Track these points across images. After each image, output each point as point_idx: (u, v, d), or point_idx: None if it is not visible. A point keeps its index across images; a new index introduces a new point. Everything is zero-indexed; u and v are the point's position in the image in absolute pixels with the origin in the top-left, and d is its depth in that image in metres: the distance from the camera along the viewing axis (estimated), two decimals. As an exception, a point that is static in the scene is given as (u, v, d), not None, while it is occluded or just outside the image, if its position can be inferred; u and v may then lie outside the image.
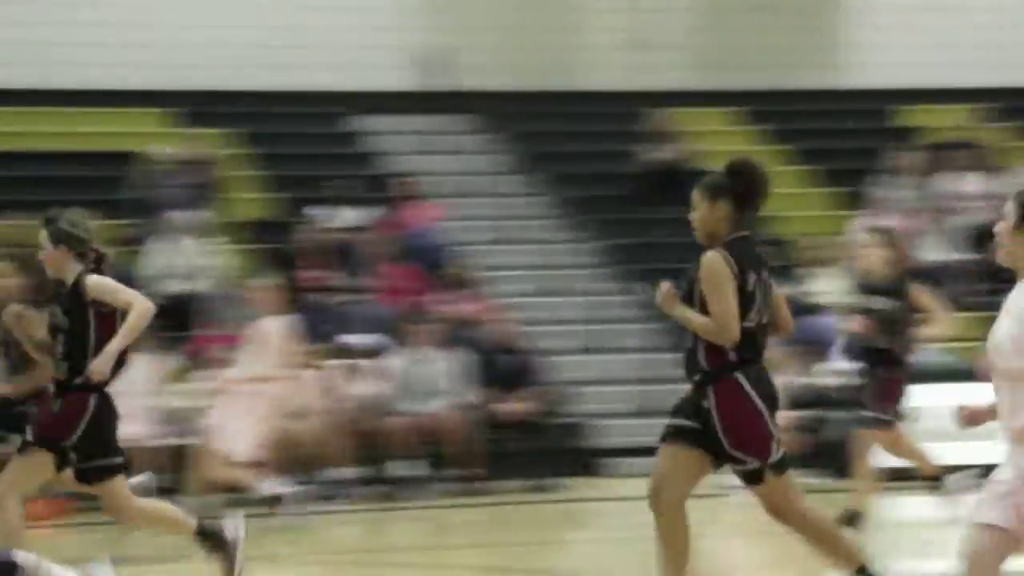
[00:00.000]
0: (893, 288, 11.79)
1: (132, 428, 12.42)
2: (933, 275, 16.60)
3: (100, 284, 8.66)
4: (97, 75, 20.82)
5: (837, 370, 15.55)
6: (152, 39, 21.09)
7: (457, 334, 16.70)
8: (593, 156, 21.11)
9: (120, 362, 8.62)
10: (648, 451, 8.41)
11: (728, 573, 11.04)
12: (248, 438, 14.30)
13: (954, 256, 19.10)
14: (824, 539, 7.47)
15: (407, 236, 18.49)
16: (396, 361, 16.05)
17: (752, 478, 7.45)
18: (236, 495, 13.90)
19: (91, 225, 9.01)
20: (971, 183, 19.86)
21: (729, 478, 7.71)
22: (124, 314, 8.60)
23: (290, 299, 15.44)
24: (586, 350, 18.65)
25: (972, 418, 5.77)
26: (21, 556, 7.78)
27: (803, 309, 15.79)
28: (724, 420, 7.33)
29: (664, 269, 9.90)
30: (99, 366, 8.49)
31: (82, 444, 8.59)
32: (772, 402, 7.43)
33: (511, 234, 20.08)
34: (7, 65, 20.54)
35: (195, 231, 17.63)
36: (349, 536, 14.16)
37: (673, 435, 7.52)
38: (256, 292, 15.04)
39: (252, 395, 14.47)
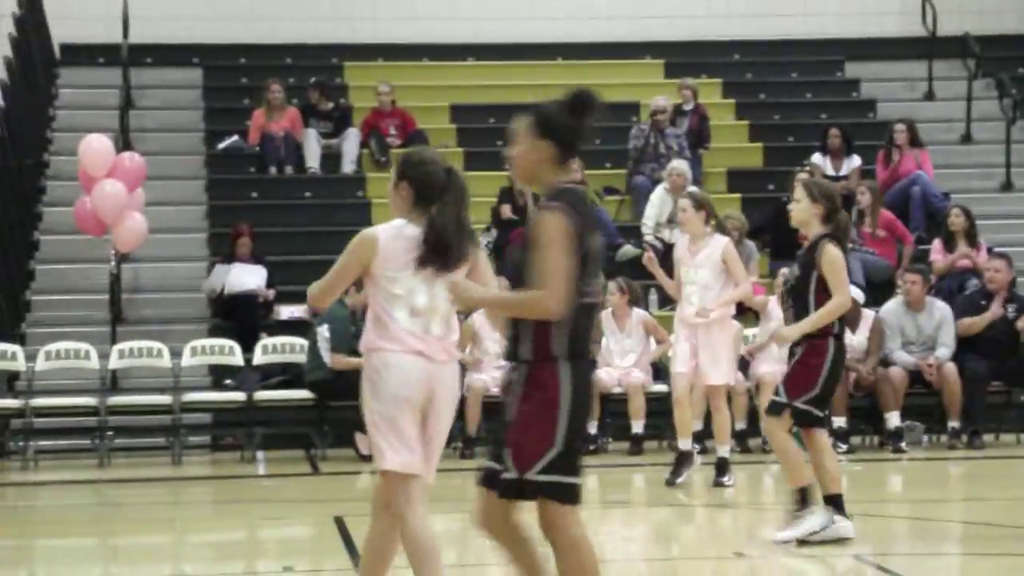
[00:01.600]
0: None
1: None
2: None
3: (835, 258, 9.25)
4: (593, 28, 21.31)
5: None
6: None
7: (953, 284, 16.37)
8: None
9: None
10: None
11: None
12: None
13: None
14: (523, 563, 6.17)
15: (904, 184, 18.24)
16: (891, 311, 15.86)
17: None
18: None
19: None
20: None
21: None
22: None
23: (786, 248, 15.40)
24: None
25: None
26: None
27: None
28: None
29: None
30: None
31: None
32: None
33: (1017, 181, 19.56)
34: (498, 19, 21.26)
35: (691, 180, 17.83)
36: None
37: None
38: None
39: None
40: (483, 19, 21.26)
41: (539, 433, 5.90)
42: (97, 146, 16.02)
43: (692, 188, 15.82)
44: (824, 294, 9.30)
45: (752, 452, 14.89)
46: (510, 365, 6.02)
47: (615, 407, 15.53)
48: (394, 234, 6.68)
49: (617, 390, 15.42)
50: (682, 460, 12.31)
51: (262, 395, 15.48)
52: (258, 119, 19.23)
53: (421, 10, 21.27)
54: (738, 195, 18.81)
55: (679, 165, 17.32)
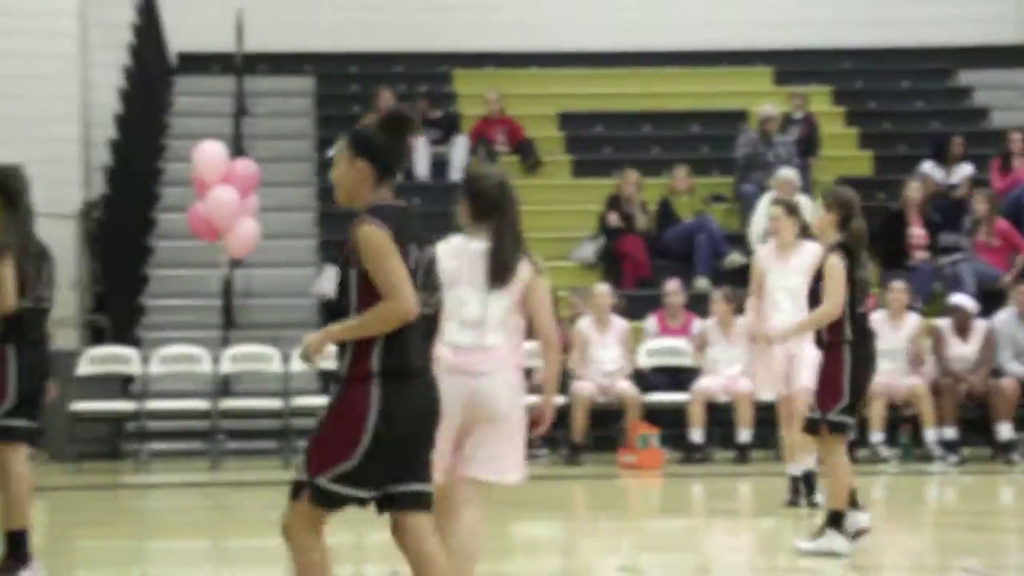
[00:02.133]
0: None
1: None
2: None
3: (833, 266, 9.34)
4: (701, 35, 21.30)
5: None
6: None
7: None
8: None
9: None
10: None
11: None
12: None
13: None
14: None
15: (1018, 193, 18.06)
16: (1004, 321, 15.73)
17: None
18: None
19: None
20: None
21: None
22: None
23: (896, 258, 15.36)
24: None
25: None
26: None
27: None
28: None
29: None
30: None
31: None
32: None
33: None
34: (607, 27, 21.31)
35: (800, 189, 17.78)
36: (947, 498, 14.01)
37: None
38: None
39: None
40: (592, 27, 21.31)
41: (338, 446, 6.06)
42: (210, 153, 16.24)
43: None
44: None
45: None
46: None
47: (721, 415, 15.52)
48: (447, 248, 6.99)
49: (723, 399, 15.41)
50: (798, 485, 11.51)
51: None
52: (369, 127, 19.40)
53: (531, 19, 21.35)
54: (847, 204, 18.72)
55: (787, 173, 17.28)
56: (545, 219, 18.20)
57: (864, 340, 9.35)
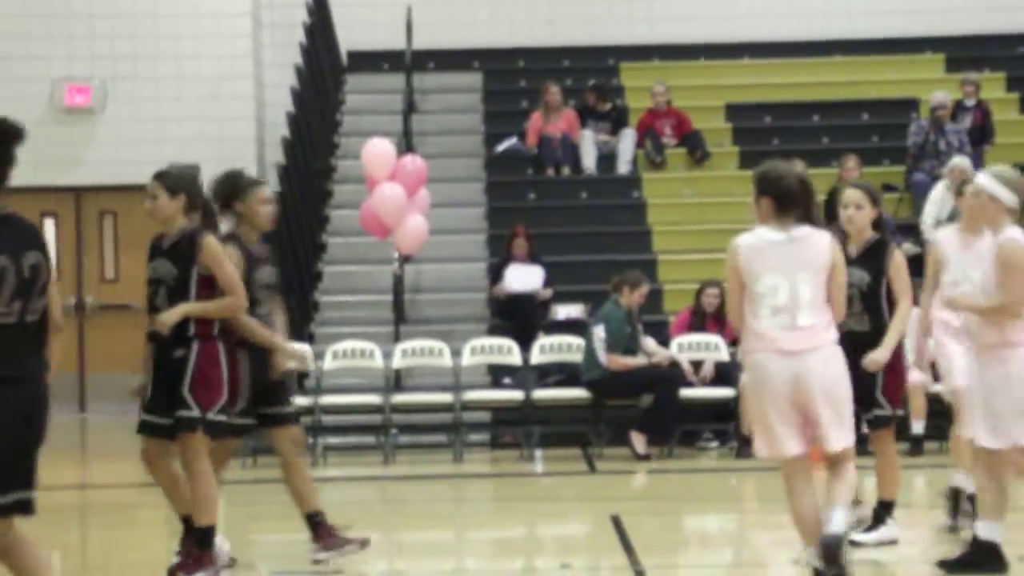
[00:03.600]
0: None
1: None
2: None
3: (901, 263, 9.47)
4: (871, 23, 21.08)
5: None
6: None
7: None
8: None
9: None
10: None
11: None
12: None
13: None
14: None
15: None
16: None
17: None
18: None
19: None
20: None
21: None
22: None
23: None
24: None
25: None
26: None
27: None
28: None
29: None
30: None
31: None
32: None
33: None
34: (774, 16, 21.19)
35: (971, 178, 17.53)
36: None
37: None
38: None
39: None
40: (759, 17, 21.20)
41: None
42: (379, 150, 16.43)
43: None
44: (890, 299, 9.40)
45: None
46: None
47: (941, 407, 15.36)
48: (755, 240, 7.75)
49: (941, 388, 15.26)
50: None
51: (540, 394, 15.72)
52: (536, 121, 19.51)
53: (697, 10, 21.30)
54: None
55: (960, 162, 17.04)
56: (712, 211, 18.17)
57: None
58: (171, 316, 8.42)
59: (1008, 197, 8.63)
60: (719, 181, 19.02)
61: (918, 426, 15.02)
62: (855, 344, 9.03)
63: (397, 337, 16.62)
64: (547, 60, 21.00)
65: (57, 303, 6.54)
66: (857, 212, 9.53)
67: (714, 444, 15.66)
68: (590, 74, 20.49)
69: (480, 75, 21.02)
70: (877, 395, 9.36)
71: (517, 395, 15.68)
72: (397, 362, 16.07)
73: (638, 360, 15.28)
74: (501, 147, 19.76)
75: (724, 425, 15.41)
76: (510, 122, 20.05)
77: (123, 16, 20.26)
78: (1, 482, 6.35)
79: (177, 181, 8.71)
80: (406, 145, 18.23)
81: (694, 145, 19.48)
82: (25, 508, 6.46)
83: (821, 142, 19.63)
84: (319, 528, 9.20)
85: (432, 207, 16.92)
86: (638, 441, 14.91)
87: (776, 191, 7.80)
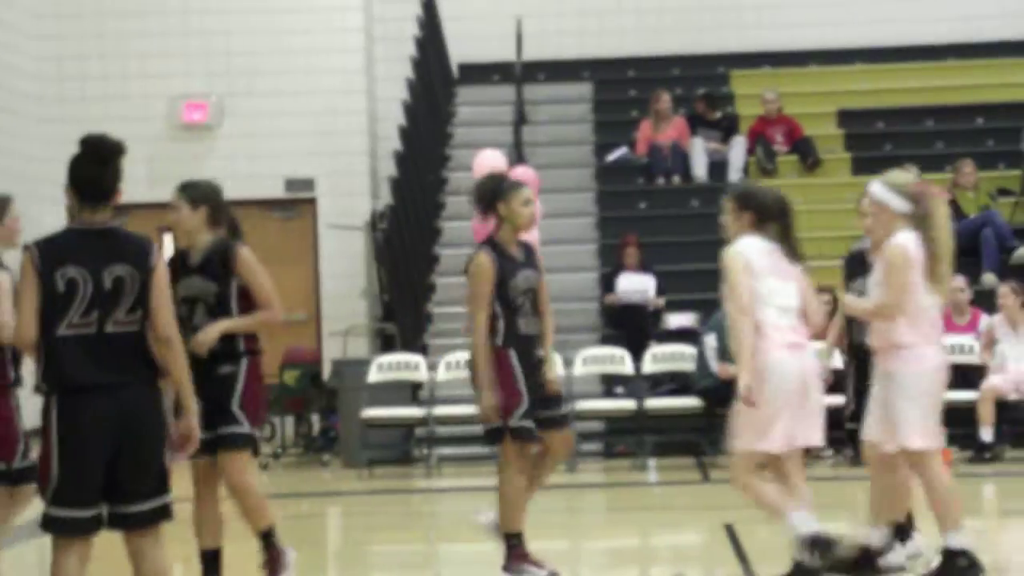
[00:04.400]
0: None
1: None
2: None
3: None
4: (983, 27, 20.92)
5: None
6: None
7: None
8: None
9: None
10: None
11: None
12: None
13: None
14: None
15: None
16: None
17: None
18: None
19: None
20: None
21: None
22: None
23: None
24: None
25: None
26: None
27: None
28: None
29: None
30: None
31: None
32: None
33: None
34: (885, 21, 21.06)
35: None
36: None
37: None
38: None
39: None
40: (870, 22, 21.08)
41: (41, 469, 6.59)
42: (490, 161, 16.50)
43: None
44: None
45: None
46: None
47: (1012, 413, 15.23)
48: (757, 246, 8.41)
49: (1014, 396, 15.13)
50: None
51: (652, 403, 15.74)
52: (646, 130, 19.53)
53: (807, 16, 21.22)
54: None
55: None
56: (825, 217, 18.08)
57: None
58: (209, 336, 8.23)
59: (899, 204, 8.63)
60: (831, 188, 18.94)
61: (986, 433, 14.88)
62: (864, 356, 9.28)
63: (510, 348, 16.66)
64: (657, 69, 21.01)
65: (163, 316, 6.61)
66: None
67: (829, 452, 15.59)
68: (700, 82, 20.48)
69: (590, 85, 21.07)
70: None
71: (630, 404, 15.71)
72: (509, 372, 16.08)
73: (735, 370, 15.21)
74: (611, 156, 19.81)
75: (839, 433, 15.32)
76: (620, 132, 20.09)
77: (238, 33, 20.54)
78: (81, 495, 6.50)
79: (201, 193, 8.60)
80: (517, 156, 18.32)
81: (806, 152, 19.41)
82: (115, 521, 6.59)
83: (935, 147, 19.49)
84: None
85: (543, 217, 16.94)
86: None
87: (757, 207, 8.47)
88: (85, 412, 6.47)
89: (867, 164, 19.13)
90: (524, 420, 8.78)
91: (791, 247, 8.52)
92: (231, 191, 22.30)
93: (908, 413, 8.52)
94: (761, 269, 8.35)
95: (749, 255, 8.34)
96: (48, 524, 6.56)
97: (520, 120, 19.67)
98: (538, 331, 9.27)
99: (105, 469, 6.49)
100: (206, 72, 20.53)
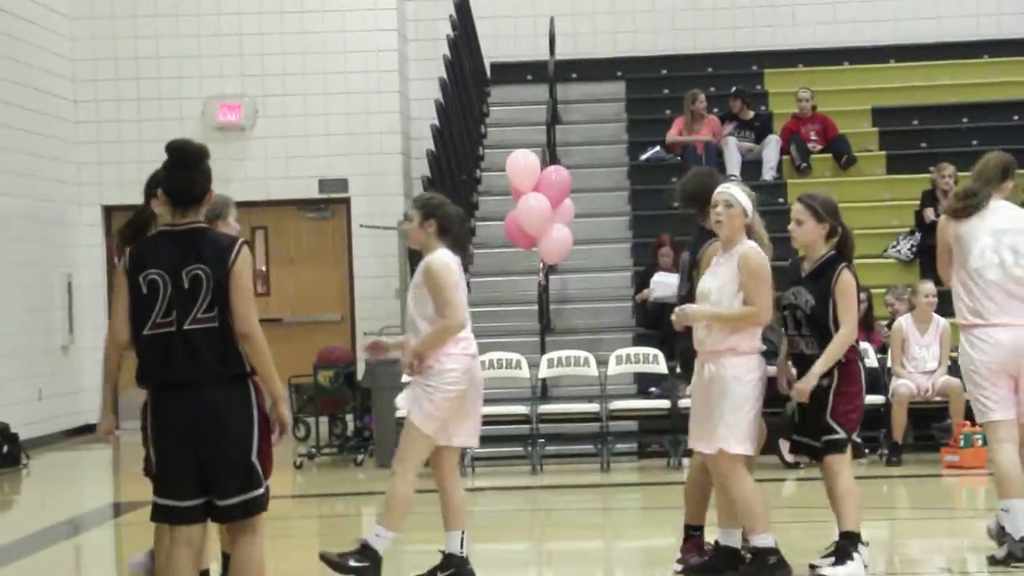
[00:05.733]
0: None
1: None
2: None
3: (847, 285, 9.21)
4: (1021, 23, 20.85)
5: None
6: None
7: None
8: None
9: None
10: None
11: None
12: None
13: None
14: None
15: None
16: None
17: None
18: None
19: None
20: None
21: None
22: None
23: None
24: None
25: None
26: None
27: None
28: None
29: None
30: None
31: None
32: None
33: None
34: (919, 19, 21.01)
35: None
36: None
37: None
38: None
39: None
40: (904, 20, 21.02)
41: (147, 461, 7.24)
42: (523, 161, 16.53)
43: None
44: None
45: None
46: None
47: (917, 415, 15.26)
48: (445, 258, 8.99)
49: (920, 399, 15.14)
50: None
51: (686, 403, 15.64)
52: (677, 126, 19.50)
53: (840, 14, 21.17)
54: None
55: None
56: (860, 216, 17.96)
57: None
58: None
59: (748, 206, 8.86)
60: (866, 186, 18.88)
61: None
62: (803, 368, 9.03)
63: (543, 347, 16.69)
64: (690, 67, 20.98)
65: (241, 313, 6.89)
66: (797, 227, 9.22)
67: (864, 452, 15.54)
68: (734, 80, 20.43)
69: (623, 84, 21.05)
70: (827, 419, 9.00)
71: (664, 404, 15.68)
72: (543, 372, 16.12)
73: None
74: (645, 155, 19.78)
75: (874, 432, 15.28)
76: (653, 130, 20.06)
77: (272, 34, 20.60)
78: (177, 487, 6.88)
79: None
80: (550, 156, 18.32)
81: (840, 150, 19.36)
82: (211, 514, 6.94)
83: (970, 144, 19.37)
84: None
85: (576, 217, 16.97)
86: (785, 449, 14.83)
87: (441, 216, 9.10)
88: (169, 408, 6.85)
89: (902, 162, 19.09)
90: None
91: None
92: (264, 192, 22.49)
93: None
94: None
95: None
96: (153, 513, 6.99)
97: (553, 119, 19.67)
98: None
99: (196, 462, 6.85)
100: (240, 73, 20.59)
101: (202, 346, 6.83)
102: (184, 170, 6.95)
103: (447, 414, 9.08)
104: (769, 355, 9.12)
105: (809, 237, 9.18)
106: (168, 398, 6.87)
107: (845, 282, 8.99)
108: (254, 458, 6.88)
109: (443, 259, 9.01)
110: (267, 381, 6.96)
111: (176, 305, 6.84)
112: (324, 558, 9.07)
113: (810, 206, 9.23)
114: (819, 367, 8.92)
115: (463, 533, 9.12)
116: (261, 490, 6.93)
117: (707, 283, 8.99)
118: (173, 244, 6.90)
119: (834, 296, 9.00)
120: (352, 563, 9.02)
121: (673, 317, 9.04)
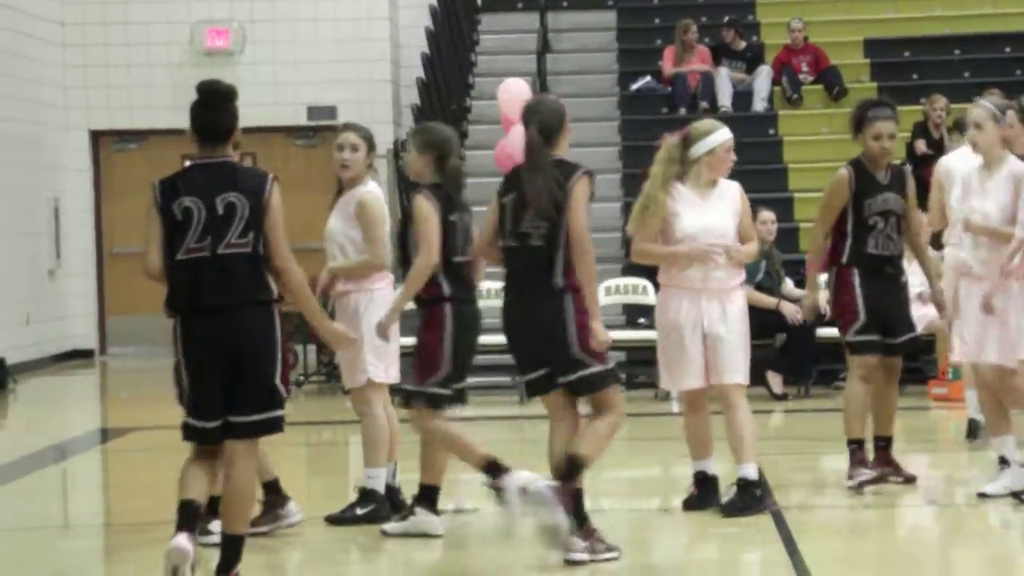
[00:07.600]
0: None
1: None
2: None
3: None
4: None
5: None
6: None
7: None
8: None
9: None
10: None
11: None
12: None
13: None
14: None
15: None
16: None
17: None
18: None
19: None
20: None
21: None
22: None
23: None
24: None
25: None
26: None
27: None
28: None
29: None
30: None
31: None
32: None
33: None
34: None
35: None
36: None
37: None
38: None
39: None
40: (897, -50, 20.92)
41: (177, 382, 7.31)
42: (514, 89, 16.40)
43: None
44: None
45: None
46: None
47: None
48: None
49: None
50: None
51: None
52: (670, 59, 19.40)
53: (834, -56, 21.07)
54: None
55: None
56: (850, 148, 17.89)
57: None
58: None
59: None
60: (857, 118, 18.80)
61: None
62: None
63: (532, 277, 16.62)
64: (681, -3, 20.89)
65: (278, 247, 7.10)
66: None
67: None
68: (725, 11, 20.33)
69: (614, 13, 20.94)
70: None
71: (652, 335, 15.63)
72: (532, 302, 16.05)
73: (768, 300, 15.00)
74: (635, 86, 19.69)
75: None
76: (644, 60, 19.97)
77: (261, -42, 20.44)
78: (206, 408, 7.06)
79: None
80: (540, 85, 18.23)
81: (831, 81, 19.29)
82: (228, 429, 7.10)
83: (962, 76, 19.34)
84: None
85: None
86: (774, 381, 14.84)
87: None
88: (200, 332, 7.03)
89: (893, 93, 18.95)
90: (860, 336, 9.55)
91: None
92: (253, 118, 22.33)
93: None
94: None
95: None
96: (183, 431, 7.20)
97: (544, 49, 19.57)
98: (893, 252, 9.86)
99: (223, 384, 7.02)
100: (228, -2, 20.44)
101: (235, 270, 7.04)
102: (214, 111, 7.26)
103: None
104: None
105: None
106: (201, 322, 7.02)
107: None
108: (277, 381, 7.10)
109: (378, 194, 9.25)
110: (305, 310, 7.24)
111: (211, 231, 7.03)
112: (331, 520, 9.09)
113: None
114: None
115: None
116: (282, 411, 7.16)
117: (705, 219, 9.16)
118: (206, 174, 7.14)
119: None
120: (359, 511, 9.04)
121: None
